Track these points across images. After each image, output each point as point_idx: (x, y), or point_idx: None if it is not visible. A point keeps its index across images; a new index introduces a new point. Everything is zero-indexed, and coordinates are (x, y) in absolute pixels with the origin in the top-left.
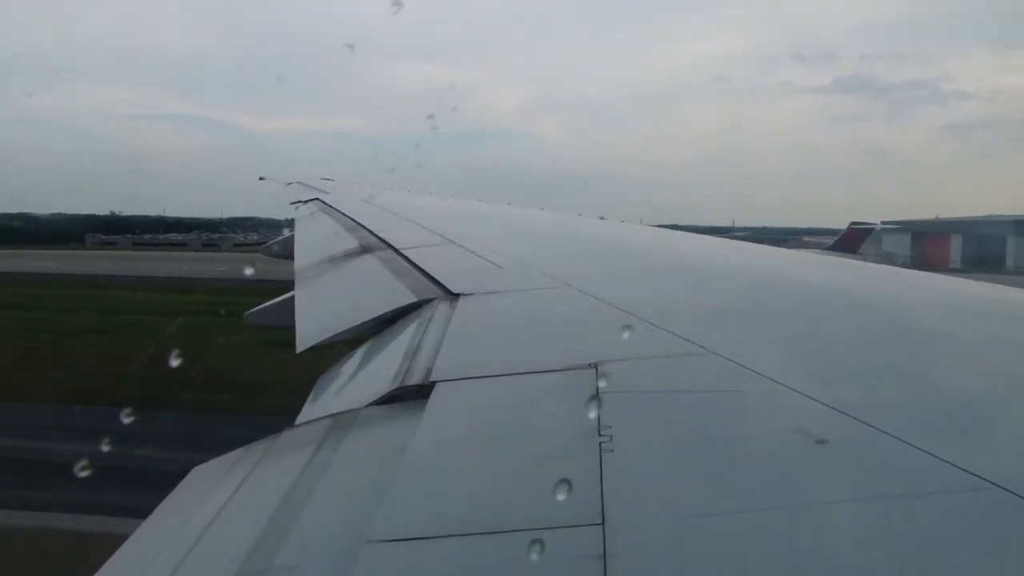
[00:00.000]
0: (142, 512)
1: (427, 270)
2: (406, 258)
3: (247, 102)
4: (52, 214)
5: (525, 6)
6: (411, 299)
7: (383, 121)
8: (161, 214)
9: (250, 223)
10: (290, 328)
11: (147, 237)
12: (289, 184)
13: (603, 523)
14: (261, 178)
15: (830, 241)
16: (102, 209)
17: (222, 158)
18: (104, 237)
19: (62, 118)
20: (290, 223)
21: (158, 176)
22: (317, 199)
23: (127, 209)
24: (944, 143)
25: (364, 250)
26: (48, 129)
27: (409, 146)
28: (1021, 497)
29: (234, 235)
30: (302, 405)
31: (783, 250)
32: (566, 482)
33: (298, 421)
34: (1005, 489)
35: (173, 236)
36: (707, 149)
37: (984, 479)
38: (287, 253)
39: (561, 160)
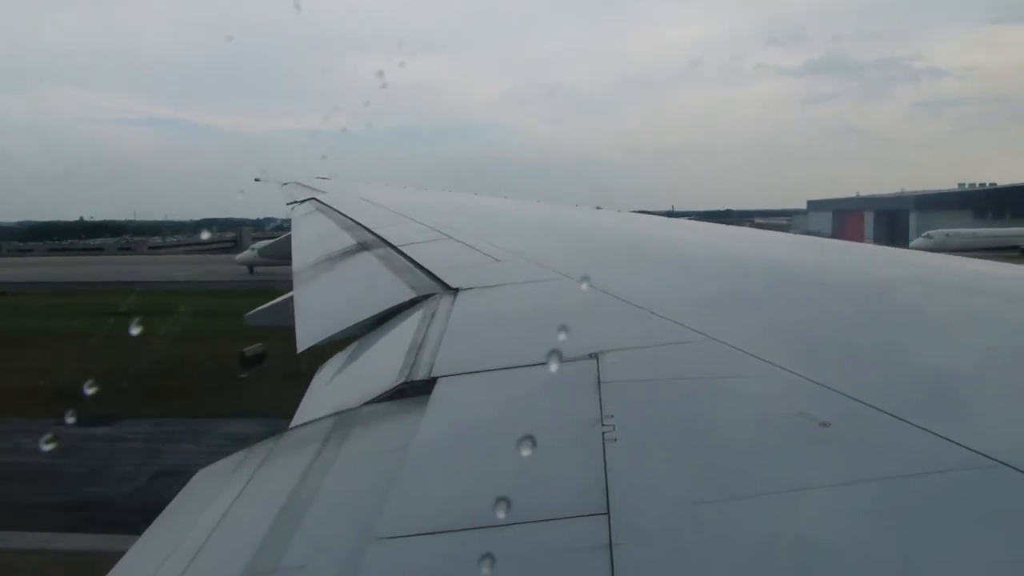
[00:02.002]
0: None
1: (425, 266)
2: (404, 254)
3: (220, 103)
4: (19, 222)
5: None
6: (410, 296)
7: (361, 116)
8: (131, 218)
9: (219, 224)
10: (290, 329)
11: (66, 243)
12: (285, 184)
13: (608, 512)
14: (256, 179)
15: (783, 222)
16: (73, 215)
17: (198, 159)
18: (21, 245)
19: (34, 123)
20: (262, 223)
21: (132, 179)
22: (313, 199)
23: (100, 214)
24: (916, 120)
25: (361, 248)
26: (20, 135)
27: (388, 140)
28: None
29: (157, 238)
30: None
31: (778, 234)
32: (570, 472)
33: (297, 415)
34: (1008, 465)
35: (93, 241)
36: (682, 134)
37: (988, 456)
38: (284, 255)
39: (537, 149)
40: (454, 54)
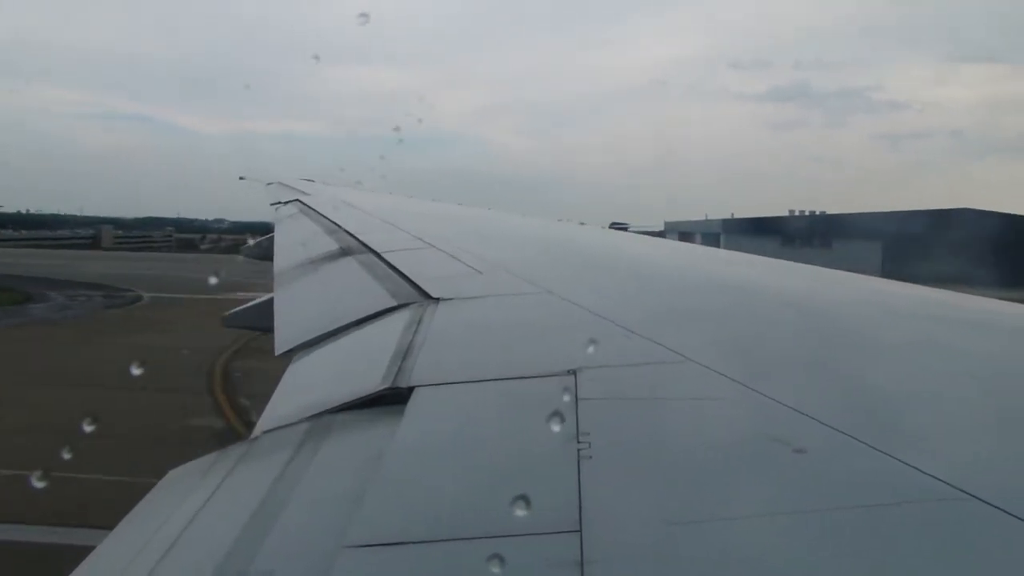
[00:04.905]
0: None
1: (408, 274)
2: (386, 262)
3: (191, 103)
4: None
5: (469, 14)
6: (391, 303)
7: (334, 124)
8: (76, 213)
9: (168, 223)
10: (269, 330)
11: None
12: (269, 184)
13: (580, 529)
14: (241, 178)
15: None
16: (11, 207)
17: (163, 158)
18: None
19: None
20: (212, 224)
21: (93, 175)
22: (297, 200)
23: (50, 208)
24: (875, 151)
25: (344, 253)
26: None
27: (358, 147)
28: (990, 505)
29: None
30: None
31: (763, 257)
32: (544, 488)
33: (266, 413)
34: (976, 497)
35: None
36: (646, 153)
37: (957, 488)
38: (266, 255)
39: (508, 164)
40: (424, 69)
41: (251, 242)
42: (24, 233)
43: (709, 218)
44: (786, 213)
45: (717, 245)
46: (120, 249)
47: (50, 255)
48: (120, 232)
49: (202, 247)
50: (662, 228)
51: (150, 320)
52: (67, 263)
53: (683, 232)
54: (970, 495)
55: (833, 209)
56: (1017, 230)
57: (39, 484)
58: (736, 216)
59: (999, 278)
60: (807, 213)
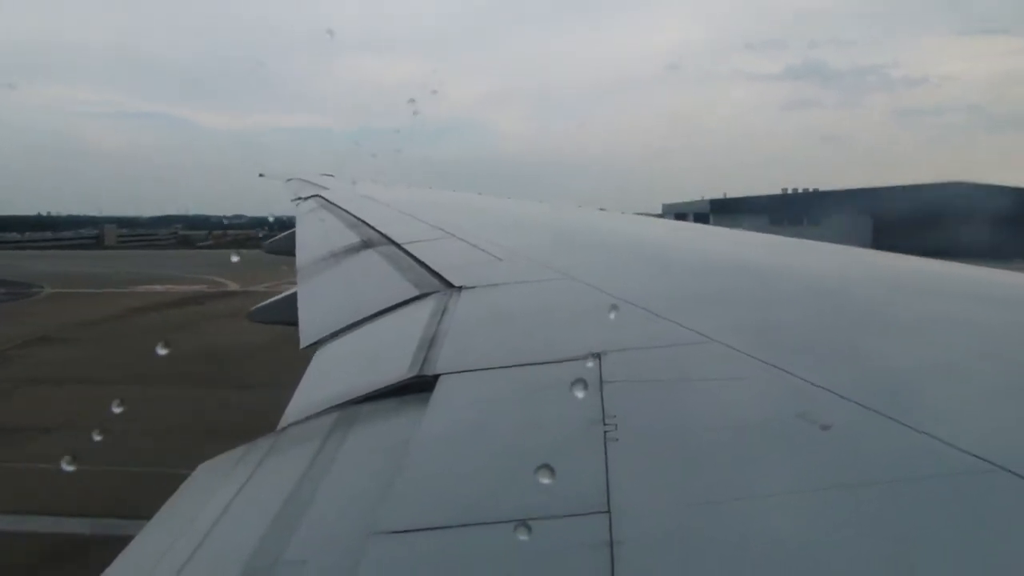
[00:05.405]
0: None
1: (429, 264)
2: (407, 252)
3: (202, 99)
4: None
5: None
6: (414, 293)
7: (344, 116)
8: (96, 213)
9: (183, 221)
10: (295, 324)
11: None
12: (289, 180)
13: (609, 511)
14: (261, 175)
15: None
16: (33, 210)
17: (179, 156)
18: None
19: (11, 116)
20: (228, 221)
21: (115, 175)
22: (317, 195)
23: (69, 209)
24: (893, 128)
25: (366, 245)
26: None
27: (370, 140)
28: (1022, 477)
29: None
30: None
31: (782, 238)
32: (571, 471)
33: (292, 403)
34: (1006, 470)
35: None
36: (660, 137)
37: (987, 460)
38: (286, 249)
39: (520, 150)
40: (433, 57)
41: (262, 236)
42: (27, 235)
43: (704, 199)
44: (779, 191)
45: (706, 223)
46: (122, 248)
47: (21, 256)
48: (124, 231)
49: (199, 244)
50: (660, 211)
51: (14, 312)
52: (21, 263)
53: (678, 213)
54: (1001, 467)
55: (843, 186)
56: (1014, 202)
57: None
58: (728, 196)
59: (995, 250)
60: (800, 191)
